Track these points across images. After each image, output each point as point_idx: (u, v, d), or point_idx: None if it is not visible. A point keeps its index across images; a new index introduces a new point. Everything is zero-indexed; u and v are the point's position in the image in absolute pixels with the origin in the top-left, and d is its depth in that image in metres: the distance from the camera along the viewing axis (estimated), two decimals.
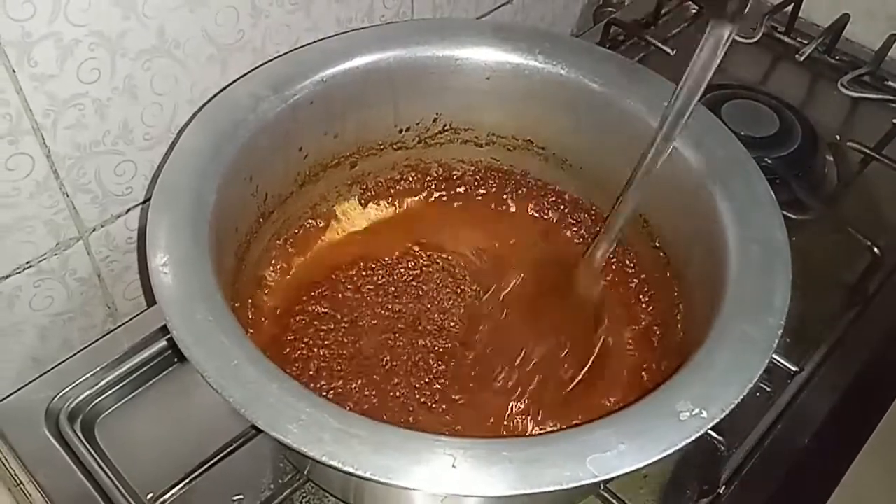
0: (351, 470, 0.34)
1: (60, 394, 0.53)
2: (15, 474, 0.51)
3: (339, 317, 0.55)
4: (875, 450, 0.55)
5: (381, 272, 0.58)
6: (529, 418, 0.50)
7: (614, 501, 0.49)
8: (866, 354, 0.59)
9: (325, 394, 0.51)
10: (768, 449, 0.53)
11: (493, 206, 0.63)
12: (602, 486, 0.49)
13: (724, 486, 0.51)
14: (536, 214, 0.62)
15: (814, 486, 0.53)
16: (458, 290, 0.58)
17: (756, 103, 0.72)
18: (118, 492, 0.49)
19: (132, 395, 0.55)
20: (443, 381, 0.52)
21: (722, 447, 0.52)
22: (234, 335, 0.40)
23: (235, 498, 0.50)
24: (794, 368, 0.56)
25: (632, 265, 0.58)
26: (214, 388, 0.37)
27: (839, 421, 0.55)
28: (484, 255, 0.60)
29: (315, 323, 0.54)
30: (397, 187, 0.62)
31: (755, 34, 0.79)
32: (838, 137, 0.74)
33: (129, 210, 0.56)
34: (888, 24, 0.80)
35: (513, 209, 0.63)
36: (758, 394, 0.55)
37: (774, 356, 0.55)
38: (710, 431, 0.50)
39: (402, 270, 0.58)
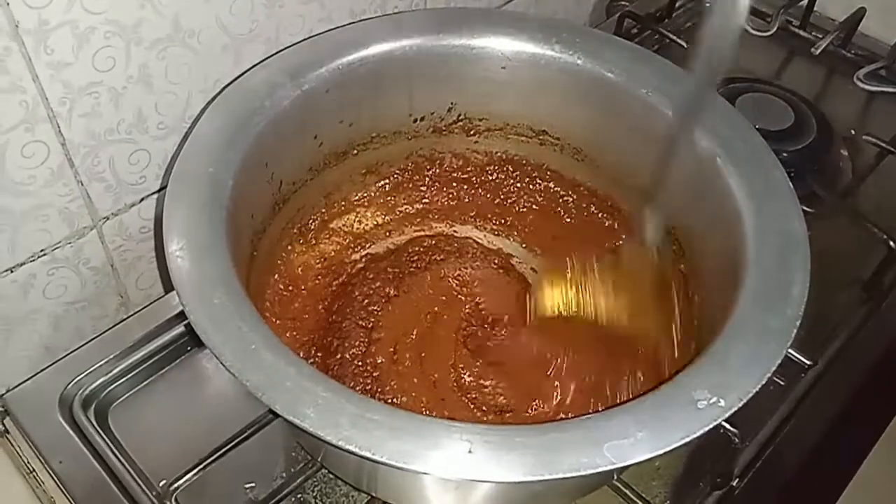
0: (368, 455, 0.34)
1: (74, 381, 0.53)
2: (29, 461, 0.52)
3: (351, 303, 0.55)
4: (890, 444, 0.55)
5: (393, 260, 0.58)
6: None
7: (627, 492, 0.49)
8: (881, 348, 0.59)
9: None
10: (782, 442, 0.53)
11: (507, 196, 0.62)
12: (616, 476, 0.49)
13: (737, 479, 0.51)
14: (551, 205, 0.62)
15: (827, 480, 0.53)
16: (469, 280, 0.58)
17: (771, 97, 0.72)
18: (131, 478, 0.49)
19: (145, 382, 0.55)
20: (454, 372, 0.52)
21: (736, 440, 0.52)
22: (251, 320, 0.40)
23: (248, 485, 0.50)
24: (808, 362, 0.56)
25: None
26: (232, 373, 0.37)
27: (853, 415, 0.55)
28: (497, 246, 0.60)
29: (327, 310, 0.54)
30: (411, 177, 0.61)
31: (770, 28, 0.79)
32: (853, 131, 0.73)
33: (142, 199, 0.56)
34: None
35: (527, 200, 0.62)
36: (772, 387, 0.55)
37: (789, 350, 0.54)
38: (724, 424, 0.51)
39: (414, 259, 0.58)
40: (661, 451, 0.35)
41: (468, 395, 0.51)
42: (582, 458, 0.34)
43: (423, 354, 0.53)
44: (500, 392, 0.51)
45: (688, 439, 0.36)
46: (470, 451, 0.35)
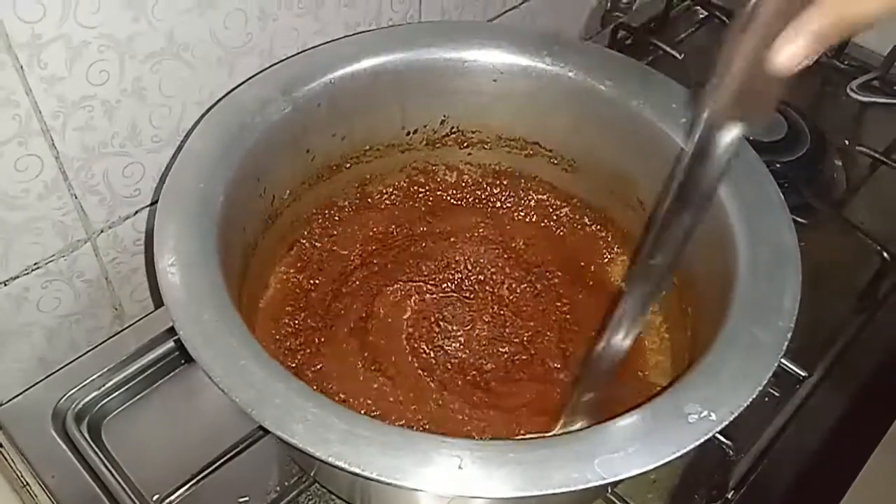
0: (357, 471, 0.34)
1: (67, 395, 0.53)
2: (21, 475, 0.51)
3: (345, 319, 0.55)
4: (885, 455, 0.54)
5: (387, 274, 0.57)
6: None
7: None
8: (875, 359, 0.59)
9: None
10: (777, 454, 0.53)
11: (500, 208, 0.62)
12: (610, 490, 0.49)
13: (732, 491, 0.51)
14: (544, 217, 0.62)
15: (822, 492, 0.52)
16: (464, 295, 0.58)
17: None
18: (124, 493, 0.49)
19: (139, 396, 0.55)
20: (444, 385, 0.52)
21: (731, 452, 0.52)
22: (242, 336, 0.40)
23: (241, 499, 0.50)
24: (802, 373, 0.56)
25: None
26: (221, 389, 0.37)
27: (848, 426, 0.55)
28: (491, 258, 0.60)
29: (320, 324, 0.54)
30: (404, 190, 0.62)
31: None
32: (847, 142, 0.73)
33: (136, 212, 0.56)
34: None
35: (520, 212, 0.62)
36: (766, 399, 0.55)
37: (783, 361, 0.55)
38: (718, 436, 0.51)
39: (408, 273, 0.58)
40: (651, 466, 0.35)
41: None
42: (573, 473, 0.34)
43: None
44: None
45: (678, 454, 0.36)
46: (460, 467, 0.34)
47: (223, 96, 0.52)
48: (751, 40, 0.32)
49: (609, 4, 0.87)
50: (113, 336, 0.57)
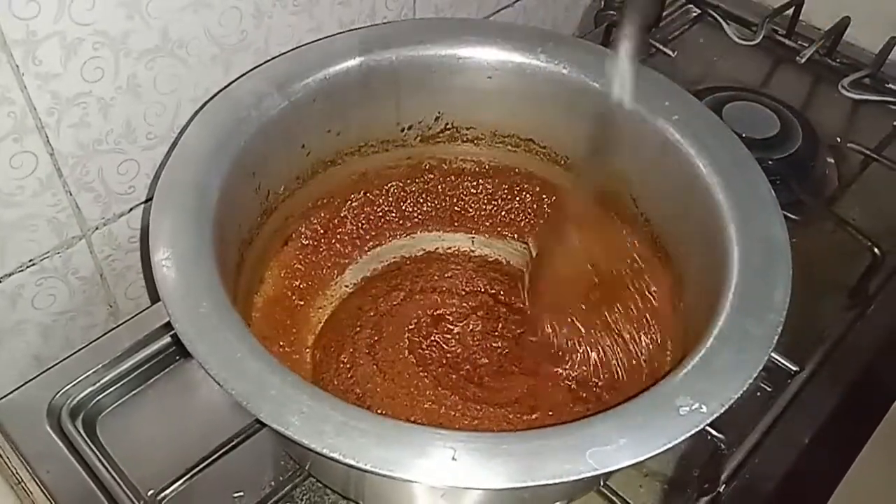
0: (352, 462, 0.34)
1: (62, 391, 0.53)
2: (17, 471, 0.52)
3: (338, 315, 0.55)
4: (876, 450, 0.55)
5: (381, 270, 0.58)
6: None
7: (615, 499, 0.49)
8: (867, 355, 0.59)
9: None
10: (769, 448, 0.53)
11: (494, 205, 0.63)
12: (602, 483, 0.49)
13: (724, 485, 0.51)
14: (539, 215, 0.62)
15: (814, 486, 0.53)
16: (458, 291, 0.58)
17: (757, 105, 0.73)
18: (119, 488, 0.49)
19: (133, 392, 0.55)
20: (438, 381, 0.53)
21: (722, 446, 0.52)
22: (237, 329, 0.40)
23: (236, 494, 0.50)
24: (794, 368, 0.56)
25: (633, 263, 0.58)
26: (217, 382, 0.37)
27: (839, 421, 0.55)
28: (485, 254, 0.60)
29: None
30: (399, 186, 0.62)
31: (756, 37, 0.79)
32: (839, 139, 0.74)
33: (131, 209, 0.56)
34: (888, 26, 0.80)
35: (514, 208, 0.63)
36: (758, 393, 0.55)
37: (775, 356, 0.55)
38: (710, 430, 0.51)
39: (402, 268, 0.58)
40: (642, 458, 0.35)
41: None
42: (565, 464, 0.35)
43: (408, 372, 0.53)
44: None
45: (669, 445, 0.36)
46: (454, 459, 0.35)
47: (218, 91, 0.52)
48: None
49: (603, 3, 0.87)
50: (107, 332, 0.57)
